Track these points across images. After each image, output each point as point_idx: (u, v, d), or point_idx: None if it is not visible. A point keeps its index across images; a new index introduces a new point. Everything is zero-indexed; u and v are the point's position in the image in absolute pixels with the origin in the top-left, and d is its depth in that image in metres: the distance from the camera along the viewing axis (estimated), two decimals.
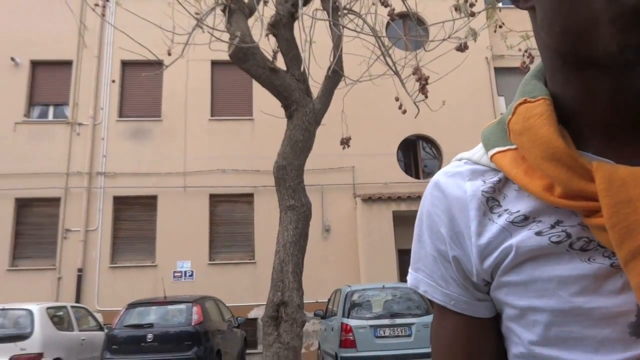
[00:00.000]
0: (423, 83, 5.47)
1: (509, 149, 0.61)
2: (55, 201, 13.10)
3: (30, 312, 8.42)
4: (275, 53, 6.16)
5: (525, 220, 0.58)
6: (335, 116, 6.63)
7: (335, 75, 5.76)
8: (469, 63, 7.66)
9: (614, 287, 0.53)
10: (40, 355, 8.11)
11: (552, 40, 0.55)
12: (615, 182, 0.51)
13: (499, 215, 0.61)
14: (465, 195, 0.63)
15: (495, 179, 0.63)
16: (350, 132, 6.81)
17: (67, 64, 14.03)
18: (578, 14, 0.50)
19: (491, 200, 0.62)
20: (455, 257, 0.64)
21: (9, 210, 12.88)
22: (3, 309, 8.61)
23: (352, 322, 7.94)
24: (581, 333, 0.54)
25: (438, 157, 14.35)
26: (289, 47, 5.67)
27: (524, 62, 6.03)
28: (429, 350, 7.70)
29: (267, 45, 6.04)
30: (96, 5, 6.01)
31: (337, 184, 13.35)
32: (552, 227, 0.56)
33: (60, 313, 9.32)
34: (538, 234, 0.57)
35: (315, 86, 5.79)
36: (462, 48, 4.90)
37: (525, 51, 5.97)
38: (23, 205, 13.11)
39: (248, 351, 11.56)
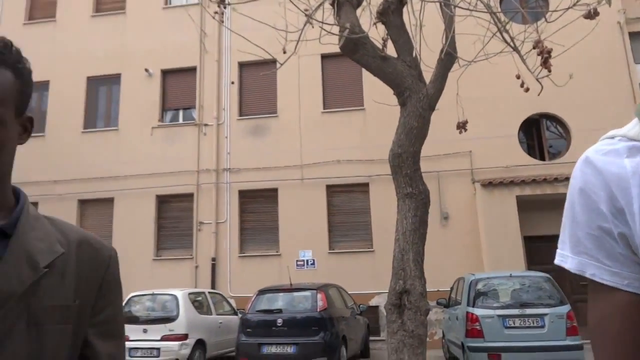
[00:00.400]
0: (545, 57, 5.07)
1: None
2: (189, 197, 14.35)
3: (175, 297, 9.33)
4: (385, 41, 6.12)
5: None
6: (450, 100, 6.43)
7: (448, 58, 5.59)
8: (598, 31, 6.96)
9: None
10: (186, 336, 8.97)
11: None
12: None
13: None
14: (625, 172, 0.61)
15: None
16: (466, 115, 6.56)
17: (192, 70, 15.23)
18: None
19: None
20: (621, 233, 0.61)
21: (151, 207, 14.37)
22: (153, 294, 9.65)
23: (478, 312, 7.70)
24: None
25: (566, 136, 13.24)
26: (398, 33, 5.60)
27: None
28: (564, 342, 7.22)
29: (377, 34, 6.03)
30: (215, 12, 6.43)
31: (454, 169, 12.94)
32: None
33: (200, 298, 10.20)
34: None
35: (428, 71, 5.67)
36: (591, 15, 4.46)
37: None
38: (163, 202, 14.55)
39: (371, 338, 11.71)
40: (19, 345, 0.84)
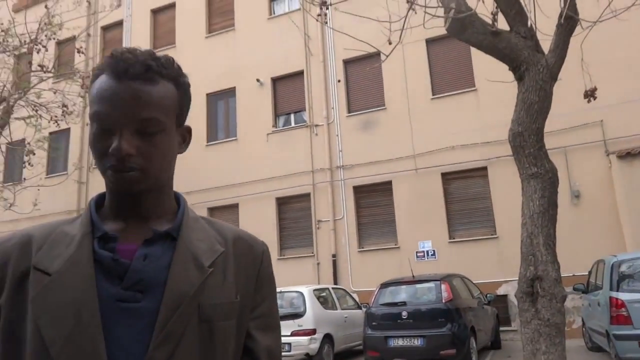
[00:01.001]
0: None
1: None
2: (306, 196, 14.82)
3: (301, 294, 9.68)
4: (494, 15, 5.77)
5: None
6: (575, 67, 5.90)
7: (569, 22, 5.11)
8: None
9: None
10: (314, 330, 9.26)
11: None
12: None
13: None
14: None
15: None
16: (594, 82, 5.97)
17: (299, 74, 15.71)
18: None
19: None
20: None
21: (272, 209, 15.08)
22: (280, 292, 10.10)
23: (624, 296, 6.97)
24: None
25: None
26: (509, 3, 5.26)
27: None
28: None
29: (485, 9, 5.72)
30: (318, 15, 6.56)
31: (584, 143, 11.84)
32: None
33: (324, 294, 10.47)
34: None
35: (546, 39, 5.24)
36: None
37: None
38: (282, 203, 15.19)
39: (502, 328, 11.20)
40: (194, 341, 0.90)
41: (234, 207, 15.54)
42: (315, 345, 9.16)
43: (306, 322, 9.28)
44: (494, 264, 12.14)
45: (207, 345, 0.91)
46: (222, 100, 16.88)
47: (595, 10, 5.35)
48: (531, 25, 5.08)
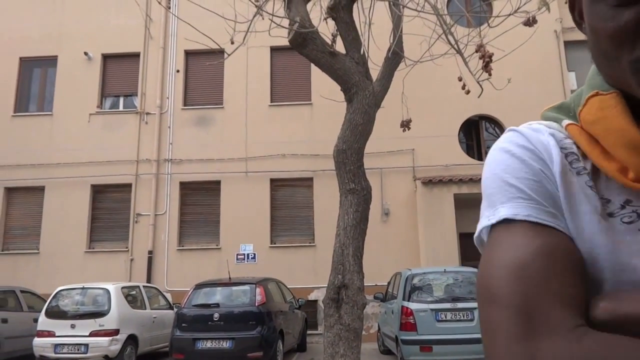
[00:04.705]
0: (487, 61, 5.26)
1: (582, 128, 0.64)
2: (127, 187, 13.82)
3: (107, 291, 8.97)
4: (334, 37, 6.13)
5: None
6: (396, 98, 6.54)
7: (395, 57, 5.67)
8: (536, 37, 7.31)
9: None
10: (117, 331, 8.64)
11: (601, 74, 0.63)
12: None
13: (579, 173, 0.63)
14: (547, 141, 0.65)
15: (571, 143, 0.65)
16: (410, 114, 6.70)
17: (135, 56, 14.65)
18: (612, 75, 0.60)
19: (571, 155, 0.64)
20: (550, 175, 0.63)
21: (85, 196, 13.72)
22: (83, 288, 9.23)
23: (413, 306, 7.90)
24: None
25: None
26: (348, 30, 5.62)
27: None
28: None
29: (326, 29, 6.02)
30: None
31: (397, 167, 13.21)
32: (622, 207, 0.60)
33: (134, 292, 9.86)
34: (610, 215, 0.59)
35: (375, 68, 5.72)
36: (530, 22, 4.66)
37: None
38: (98, 192, 13.93)
39: (309, 332, 11.77)
40: None
41: (39, 189, 13.76)
42: (116, 347, 8.55)
43: (109, 322, 8.63)
44: (309, 270, 12.76)
45: None
46: (39, 69, 14.90)
47: (418, 52, 6.01)
48: (364, 52, 5.49)
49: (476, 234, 0.65)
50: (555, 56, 13.70)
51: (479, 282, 0.59)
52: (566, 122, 0.66)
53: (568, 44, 13.75)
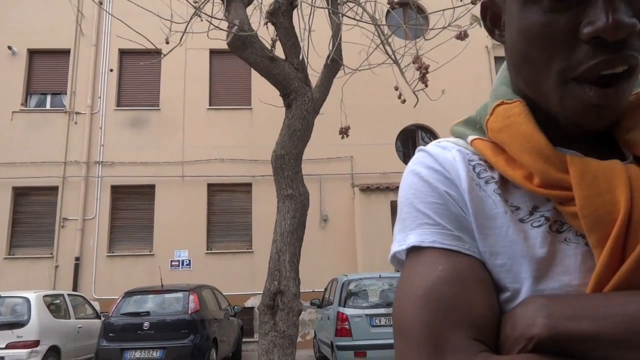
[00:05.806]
0: (423, 72, 5.43)
1: (488, 140, 0.66)
2: (53, 190, 13.07)
3: (27, 300, 8.43)
4: (274, 42, 6.10)
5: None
6: (334, 105, 6.59)
7: (334, 64, 5.72)
8: (469, 52, 7.64)
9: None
10: (37, 342, 8.13)
11: (517, 82, 0.65)
12: (587, 175, 0.56)
13: (487, 182, 0.64)
14: (453, 158, 0.67)
15: (478, 157, 0.67)
16: (349, 121, 6.78)
17: (65, 52, 13.93)
18: (535, 83, 0.60)
19: (478, 166, 0.66)
20: (456, 196, 0.63)
21: (6, 199, 12.85)
22: (0, 297, 8.62)
23: (348, 311, 7.96)
24: None
25: None
26: (287, 35, 5.62)
27: None
28: None
29: (266, 33, 5.98)
30: None
31: (335, 173, 13.33)
32: (531, 213, 0.60)
33: (57, 301, 9.34)
34: (521, 221, 0.60)
35: (314, 75, 5.75)
36: (461, 36, 4.86)
37: None
38: (21, 194, 13.09)
39: (244, 339, 11.62)
40: None
41: None
42: (36, 359, 8.02)
43: (28, 333, 8.10)
44: (246, 277, 12.58)
45: None
46: None
47: (357, 61, 6.10)
48: (303, 58, 5.51)
49: (390, 256, 0.67)
50: (486, 70, 14.39)
51: (392, 314, 0.61)
52: (471, 137, 0.68)
53: (498, 59, 14.51)
